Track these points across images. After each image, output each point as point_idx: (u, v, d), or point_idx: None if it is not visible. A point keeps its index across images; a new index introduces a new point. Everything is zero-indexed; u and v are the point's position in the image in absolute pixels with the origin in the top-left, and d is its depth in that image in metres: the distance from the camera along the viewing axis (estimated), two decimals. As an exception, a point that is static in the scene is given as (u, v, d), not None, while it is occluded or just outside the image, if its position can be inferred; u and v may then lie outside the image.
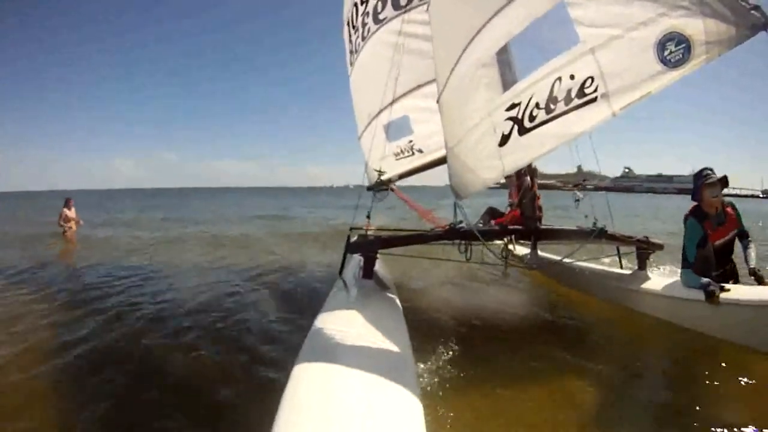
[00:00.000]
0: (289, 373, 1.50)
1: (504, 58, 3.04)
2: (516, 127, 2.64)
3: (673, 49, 1.91)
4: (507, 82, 2.93)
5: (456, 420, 1.84)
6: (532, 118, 2.54)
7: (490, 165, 2.83)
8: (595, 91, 2.21)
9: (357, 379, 1.42)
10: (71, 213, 8.60)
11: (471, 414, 1.94)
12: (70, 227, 8.51)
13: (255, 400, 2.01)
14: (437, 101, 3.27)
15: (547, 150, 2.51)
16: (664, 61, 1.95)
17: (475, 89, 2.88)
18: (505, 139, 2.71)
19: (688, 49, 1.88)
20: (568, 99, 2.33)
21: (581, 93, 2.26)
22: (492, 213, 4.05)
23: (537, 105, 2.49)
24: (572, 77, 2.29)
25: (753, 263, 2.83)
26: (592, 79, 2.21)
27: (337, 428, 1.14)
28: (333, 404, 1.26)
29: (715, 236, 2.88)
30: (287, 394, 1.32)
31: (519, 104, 2.59)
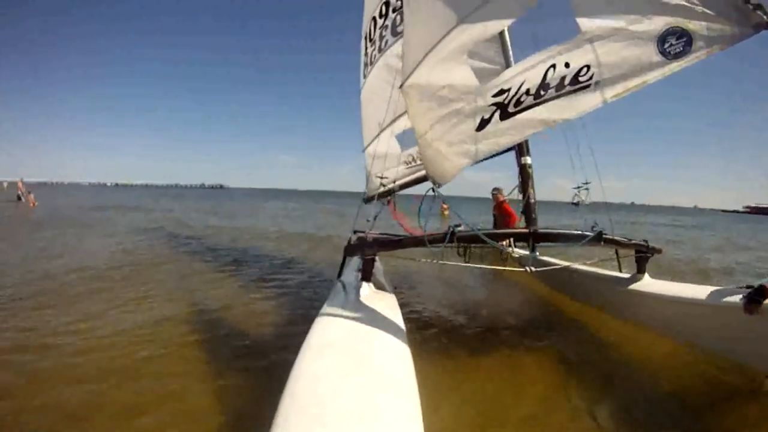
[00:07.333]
0: (288, 374, 1.45)
1: (496, 44, 2.98)
2: (498, 111, 2.49)
3: (674, 42, 1.89)
4: (498, 68, 2.84)
5: (454, 421, 1.84)
6: (518, 103, 2.40)
7: (463, 150, 2.64)
8: (590, 79, 2.12)
9: (356, 380, 1.41)
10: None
11: (469, 414, 1.93)
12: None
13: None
14: (400, 87, 3.06)
15: (526, 135, 2.37)
16: (663, 53, 1.91)
17: (456, 73, 2.76)
18: (483, 124, 2.54)
19: (688, 43, 1.86)
20: (560, 86, 2.22)
21: (575, 80, 2.17)
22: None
23: (527, 91, 2.37)
24: (567, 65, 2.20)
25: None
26: (588, 67, 2.13)
27: (337, 429, 1.13)
28: (332, 405, 1.24)
29: None
30: (286, 395, 1.30)
31: (508, 90, 2.46)
